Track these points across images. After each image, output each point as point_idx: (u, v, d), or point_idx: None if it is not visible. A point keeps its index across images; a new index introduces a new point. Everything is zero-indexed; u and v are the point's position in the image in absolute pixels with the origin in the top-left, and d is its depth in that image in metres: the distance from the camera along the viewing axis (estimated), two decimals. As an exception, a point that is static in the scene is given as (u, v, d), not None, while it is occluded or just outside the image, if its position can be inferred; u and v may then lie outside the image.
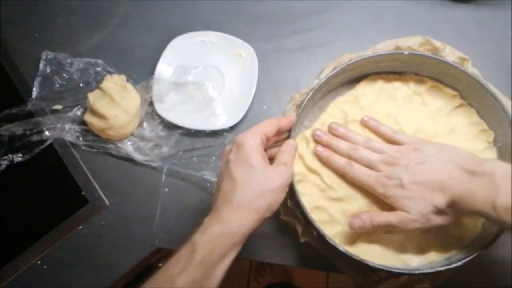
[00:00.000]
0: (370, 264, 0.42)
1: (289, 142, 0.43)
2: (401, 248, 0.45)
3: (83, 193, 0.54)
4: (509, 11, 0.57)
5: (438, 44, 0.49)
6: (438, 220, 0.41)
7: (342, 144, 0.47)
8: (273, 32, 0.58)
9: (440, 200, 0.40)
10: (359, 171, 0.45)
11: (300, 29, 0.58)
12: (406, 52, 0.48)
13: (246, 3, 0.60)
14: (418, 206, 0.41)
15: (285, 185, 0.39)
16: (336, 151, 0.47)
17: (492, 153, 0.48)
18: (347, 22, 0.58)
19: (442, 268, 0.42)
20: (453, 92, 0.50)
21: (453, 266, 0.42)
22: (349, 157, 0.46)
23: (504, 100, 0.48)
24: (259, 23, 0.59)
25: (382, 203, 0.46)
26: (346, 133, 0.48)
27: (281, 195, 0.39)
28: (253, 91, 0.54)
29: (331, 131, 0.48)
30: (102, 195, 0.54)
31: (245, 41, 0.57)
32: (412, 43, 0.49)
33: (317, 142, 0.49)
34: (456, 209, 0.40)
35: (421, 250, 0.45)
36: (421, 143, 0.44)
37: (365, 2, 0.58)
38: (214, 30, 0.58)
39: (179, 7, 0.61)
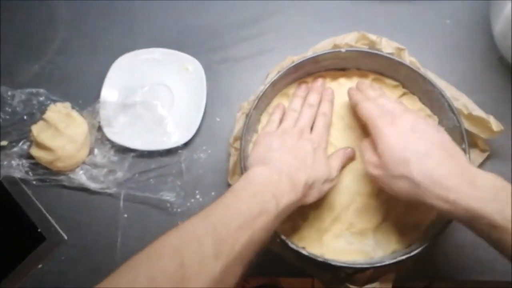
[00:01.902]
0: (333, 263, 0.43)
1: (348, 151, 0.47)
2: (365, 241, 0.46)
3: (39, 230, 0.52)
4: (444, 1, 0.58)
5: (373, 37, 0.50)
6: (394, 184, 0.38)
7: (371, 91, 0.46)
8: (218, 43, 0.58)
9: (417, 172, 0.37)
10: (371, 105, 0.43)
11: (244, 37, 0.58)
12: (343, 50, 0.49)
13: (187, 16, 0.59)
14: (393, 157, 0.38)
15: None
16: (365, 94, 0.46)
17: None
18: (290, 26, 0.58)
19: (403, 257, 0.42)
20: (394, 83, 0.51)
21: (412, 253, 0.42)
22: (373, 100, 0.44)
23: (443, 84, 0.49)
24: (202, 36, 0.58)
25: (341, 205, 0.47)
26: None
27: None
28: (203, 104, 0.54)
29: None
30: (59, 230, 0.52)
31: (191, 54, 0.56)
32: (349, 39, 0.50)
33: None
34: (429, 191, 0.36)
35: (383, 240, 0.46)
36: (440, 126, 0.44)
37: (304, 6, 0.59)
38: (158, 46, 0.57)
39: (119, 26, 0.60)
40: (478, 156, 0.50)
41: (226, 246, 0.33)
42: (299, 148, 0.43)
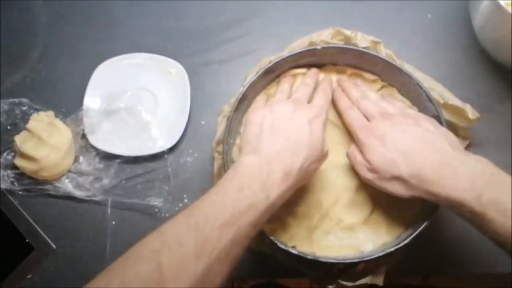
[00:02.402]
0: (323, 260, 0.43)
1: None
2: (354, 235, 0.47)
3: (27, 240, 0.52)
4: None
5: (348, 32, 0.51)
6: (388, 185, 0.40)
7: (355, 92, 0.47)
8: (200, 45, 0.58)
9: (406, 171, 0.38)
10: (354, 115, 0.45)
11: (226, 39, 0.58)
12: (319, 47, 0.49)
13: (168, 20, 0.59)
14: (381, 162, 0.40)
15: None
16: (348, 95, 0.48)
17: None
18: (271, 27, 0.58)
19: (392, 249, 0.43)
20: (372, 77, 0.51)
21: (401, 245, 0.43)
22: (356, 103, 0.46)
23: (420, 75, 0.50)
24: (185, 39, 0.58)
25: (328, 201, 0.47)
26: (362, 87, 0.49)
27: None
28: (188, 108, 0.53)
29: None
30: (48, 239, 0.52)
31: (173, 58, 0.56)
32: (324, 36, 0.50)
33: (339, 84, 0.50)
34: (418, 187, 0.38)
35: (372, 233, 0.46)
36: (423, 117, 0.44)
37: (285, 7, 0.59)
38: (140, 51, 0.57)
39: (100, 32, 0.59)
40: None
41: (208, 245, 0.31)
42: (294, 121, 0.40)
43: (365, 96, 0.46)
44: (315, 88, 0.48)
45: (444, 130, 0.42)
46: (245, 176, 0.35)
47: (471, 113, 0.47)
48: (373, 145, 0.41)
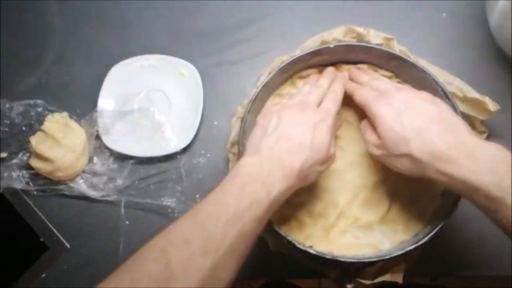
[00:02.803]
0: (342, 259, 0.42)
1: None
2: (371, 234, 0.46)
3: (41, 240, 0.53)
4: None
5: (361, 30, 0.50)
6: (397, 162, 0.39)
7: (365, 76, 0.47)
8: (212, 46, 0.58)
9: (417, 149, 0.37)
10: (366, 91, 0.43)
11: (238, 40, 0.58)
12: (331, 45, 0.48)
13: (181, 21, 0.59)
14: (392, 138, 0.38)
15: None
16: (359, 82, 0.47)
17: None
18: (283, 28, 0.58)
19: (411, 247, 0.42)
20: (387, 73, 0.51)
21: (420, 243, 0.42)
22: (367, 84, 0.45)
23: (435, 70, 0.49)
24: (197, 40, 0.58)
25: (345, 200, 0.47)
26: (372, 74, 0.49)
27: None
28: (201, 109, 0.54)
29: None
30: (62, 239, 0.53)
31: (186, 59, 0.56)
32: (336, 34, 0.50)
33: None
34: (430, 166, 0.36)
35: (389, 231, 0.46)
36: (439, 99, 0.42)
37: (298, 7, 0.59)
38: (153, 53, 0.57)
39: (113, 34, 0.60)
40: None
41: (214, 242, 0.32)
42: (298, 125, 0.40)
43: (376, 78, 0.46)
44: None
45: (460, 118, 0.40)
46: (246, 175, 0.36)
47: (491, 105, 0.46)
48: (386, 116, 0.39)
